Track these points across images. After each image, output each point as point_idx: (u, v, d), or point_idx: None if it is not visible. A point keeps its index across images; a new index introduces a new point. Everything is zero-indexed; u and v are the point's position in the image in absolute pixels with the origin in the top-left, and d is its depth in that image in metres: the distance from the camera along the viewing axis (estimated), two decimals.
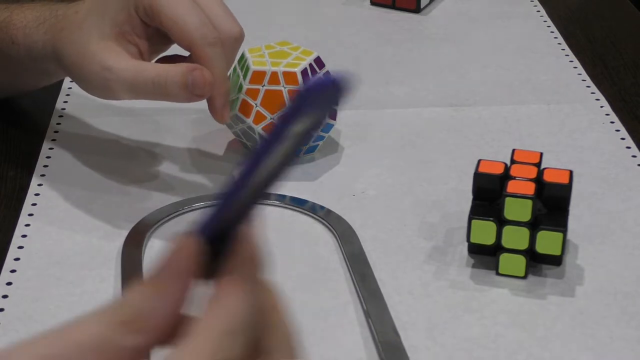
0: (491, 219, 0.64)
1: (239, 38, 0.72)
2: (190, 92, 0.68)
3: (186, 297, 0.41)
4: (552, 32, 1.01)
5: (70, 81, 0.89)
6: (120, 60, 0.69)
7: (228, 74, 0.72)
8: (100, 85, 0.70)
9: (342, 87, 0.39)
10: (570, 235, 0.69)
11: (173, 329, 0.40)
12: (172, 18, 0.69)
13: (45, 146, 0.80)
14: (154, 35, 0.72)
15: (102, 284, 0.65)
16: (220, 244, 0.42)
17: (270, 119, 0.75)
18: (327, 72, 0.77)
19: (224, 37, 0.70)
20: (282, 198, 0.73)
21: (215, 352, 0.39)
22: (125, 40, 0.70)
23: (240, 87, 0.75)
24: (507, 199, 0.63)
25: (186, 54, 0.71)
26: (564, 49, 0.97)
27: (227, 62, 0.72)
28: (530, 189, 0.64)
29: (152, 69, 0.69)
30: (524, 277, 0.65)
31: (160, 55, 0.74)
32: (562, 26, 1.02)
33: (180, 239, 0.40)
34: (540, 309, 0.63)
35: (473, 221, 0.65)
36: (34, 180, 0.76)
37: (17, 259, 0.67)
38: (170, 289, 0.40)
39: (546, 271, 0.66)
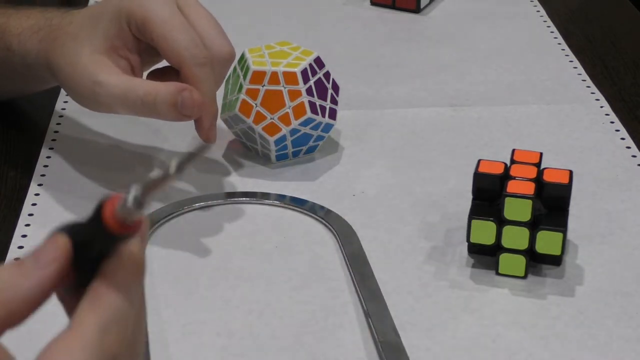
0: (491, 219, 0.64)
1: (229, 58, 0.71)
2: (178, 113, 0.68)
3: (48, 287, 0.42)
4: (552, 32, 1.01)
5: None
6: (110, 76, 0.69)
7: (227, 79, 0.72)
8: (89, 98, 0.70)
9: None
10: (570, 235, 0.69)
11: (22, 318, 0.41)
12: (162, 36, 0.69)
13: (45, 146, 0.80)
14: (146, 50, 0.71)
15: None
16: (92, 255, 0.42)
17: (270, 119, 0.75)
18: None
19: (215, 57, 0.70)
20: (282, 198, 0.73)
21: (90, 346, 0.40)
22: (117, 54, 0.70)
23: (240, 87, 0.75)
24: (507, 199, 0.63)
25: None
26: (564, 49, 0.97)
27: (217, 82, 0.71)
28: (530, 189, 0.64)
29: (141, 86, 0.69)
30: (524, 277, 0.65)
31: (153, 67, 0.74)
32: (562, 26, 1.02)
33: (53, 234, 0.42)
34: (540, 309, 0.63)
35: (473, 221, 0.65)
36: (34, 180, 0.76)
37: (17, 259, 0.67)
38: (35, 274, 0.41)
39: (546, 271, 0.66)
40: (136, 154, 0.79)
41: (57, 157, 0.79)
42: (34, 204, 0.73)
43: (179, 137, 0.81)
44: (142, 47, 0.71)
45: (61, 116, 0.84)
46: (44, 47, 0.72)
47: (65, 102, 0.86)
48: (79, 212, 0.72)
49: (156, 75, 0.73)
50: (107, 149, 0.80)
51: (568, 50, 0.97)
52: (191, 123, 0.83)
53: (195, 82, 0.69)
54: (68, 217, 0.71)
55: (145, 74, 0.74)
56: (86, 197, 0.74)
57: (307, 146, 0.78)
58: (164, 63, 0.73)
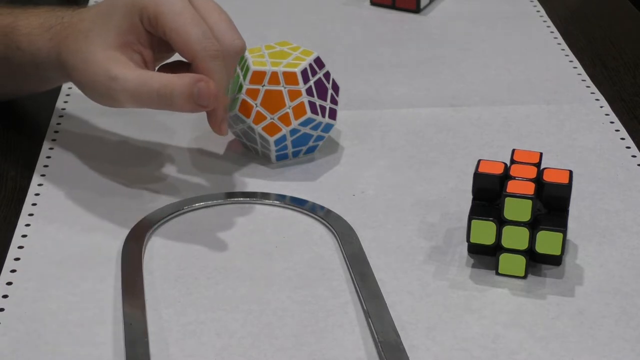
0: (491, 219, 0.64)
1: (240, 51, 0.72)
2: (195, 103, 0.68)
3: None
4: (552, 32, 1.01)
5: None
6: (125, 70, 0.69)
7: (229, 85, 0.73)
8: (104, 94, 0.70)
9: None
10: (570, 235, 0.69)
11: None
12: (175, 30, 0.69)
13: (46, 146, 0.80)
14: (158, 44, 0.72)
15: (102, 284, 0.65)
16: None
17: (270, 119, 0.75)
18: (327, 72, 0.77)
19: (226, 50, 0.70)
20: (282, 198, 0.73)
21: None
22: (130, 49, 0.71)
23: (240, 87, 0.75)
24: (507, 199, 0.63)
25: None
26: (563, 49, 0.97)
27: (228, 75, 0.72)
28: (530, 189, 0.64)
29: (157, 79, 0.69)
30: (524, 277, 0.66)
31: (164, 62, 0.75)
32: (562, 26, 1.02)
33: None
34: (540, 309, 0.63)
35: (473, 221, 0.65)
36: (34, 180, 0.76)
37: (17, 259, 0.67)
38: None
39: (546, 271, 0.66)
40: (137, 153, 0.79)
41: (58, 156, 0.79)
42: (34, 204, 0.73)
43: (179, 137, 0.81)
44: (154, 41, 0.72)
45: (61, 116, 0.85)
46: (55, 44, 0.72)
47: (66, 102, 0.87)
48: (80, 212, 0.72)
49: (166, 70, 0.73)
50: (107, 148, 0.80)
51: (568, 50, 0.97)
52: (193, 121, 0.83)
53: (208, 75, 0.69)
54: (69, 216, 0.71)
55: (156, 70, 0.74)
56: (87, 196, 0.74)
57: (307, 146, 0.78)
58: (175, 57, 0.73)
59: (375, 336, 0.60)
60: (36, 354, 0.59)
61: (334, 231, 0.70)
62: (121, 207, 0.72)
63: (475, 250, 0.67)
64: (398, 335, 0.60)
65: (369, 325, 0.61)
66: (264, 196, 0.74)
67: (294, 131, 0.75)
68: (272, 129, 0.75)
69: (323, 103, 0.76)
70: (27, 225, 0.71)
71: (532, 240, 0.64)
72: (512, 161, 0.67)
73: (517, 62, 0.94)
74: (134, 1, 0.70)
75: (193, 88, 0.68)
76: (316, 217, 0.72)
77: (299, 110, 0.75)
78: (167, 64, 0.74)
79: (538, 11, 1.05)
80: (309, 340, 0.61)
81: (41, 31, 0.74)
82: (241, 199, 0.74)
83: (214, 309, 0.63)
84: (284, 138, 0.75)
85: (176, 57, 0.73)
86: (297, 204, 0.73)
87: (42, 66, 0.74)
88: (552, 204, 0.65)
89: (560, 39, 0.99)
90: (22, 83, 0.80)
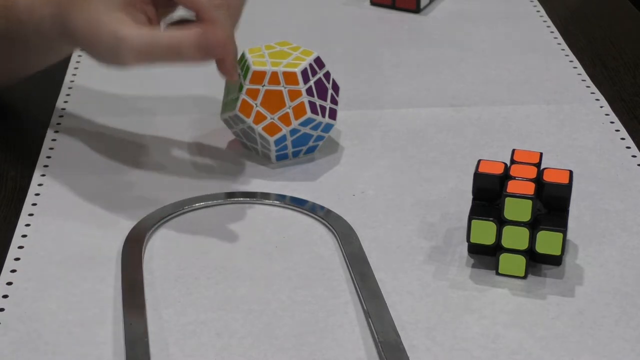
0: (491, 219, 0.64)
1: None
2: (204, 53, 0.69)
3: None
4: (552, 32, 1.01)
5: (71, 81, 0.89)
6: (131, 30, 0.69)
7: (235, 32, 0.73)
8: (113, 55, 0.70)
9: None
10: (570, 235, 0.69)
11: None
12: None
13: (46, 146, 0.80)
14: (161, 0, 0.72)
15: (102, 284, 0.65)
16: None
17: (271, 119, 0.75)
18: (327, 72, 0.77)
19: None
20: (282, 198, 0.73)
21: None
22: (134, 8, 0.71)
23: (240, 87, 0.75)
24: (507, 199, 0.63)
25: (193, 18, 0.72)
26: (563, 49, 0.97)
27: (233, 24, 0.72)
28: (530, 189, 0.64)
29: (164, 34, 0.70)
30: (524, 277, 0.66)
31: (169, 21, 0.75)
32: (562, 26, 1.02)
33: None
34: (540, 309, 0.63)
35: (473, 221, 0.65)
36: (35, 180, 0.76)
37: (17, 259, 0.67)
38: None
39: (546, 271, 0.66)
40: (137, 153, 0.79)
41: (58, 156, 0.79)
42: (34, 204, 0.73)
43: (179, 137, 0.81)
44: None
45: (61, 116, 0.85)
46: (59, 12, 0.72)
47: (66, 101, 0.87)
48: (80, 212, 0.72)
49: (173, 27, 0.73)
50: (108, 148, 0.80)
51: (568, 50, 0.97)
52: (193, 121, 0.83)
53: (214, 25, 0.69)
54: (69, 216, 0.71)
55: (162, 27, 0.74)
56: (87, 196, 0.74)
57: (307, 146, 0.78)
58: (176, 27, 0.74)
59: (375, 336, 0.60)
60: (36, 354, 0.59)
61: (334, 231, 0.70)
62: (121, 207, 0.72)
63: (475, 250, 0.67)
64: (398, 335, 0.60)
65: (369, 325, 0.61)
66: (264, 196, 0.74)
67: (294, 131, 0.75)
68: (272, 129, 0.75)
69: (323, 103, 0.76)
70: (27, 225, 0.71)
71: (532, 240, 0.64)
72: (512, 161, 0.67)
73: (517, 62, 0.94)
74: None
75: (201, 38, 0.69)
76: (316, 217, 0.72)
77: (299, 110, 0.75)
78: (171, 22, 0.74)
79: (538, 11, 1.06)
80: (309, 340, 0.61)
81: (42, 1, 0.74)
82: (241, 199, 0.74)
83: (214, 309, 0.63)
84: (284, 138, 0.76)
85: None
86: (297, 204, 0.73)
87: (46, 37, 0.74)
88: (552, 204, 0.65)
89: (560, 39, 0.99)
90: (28, 59, 0.80)
